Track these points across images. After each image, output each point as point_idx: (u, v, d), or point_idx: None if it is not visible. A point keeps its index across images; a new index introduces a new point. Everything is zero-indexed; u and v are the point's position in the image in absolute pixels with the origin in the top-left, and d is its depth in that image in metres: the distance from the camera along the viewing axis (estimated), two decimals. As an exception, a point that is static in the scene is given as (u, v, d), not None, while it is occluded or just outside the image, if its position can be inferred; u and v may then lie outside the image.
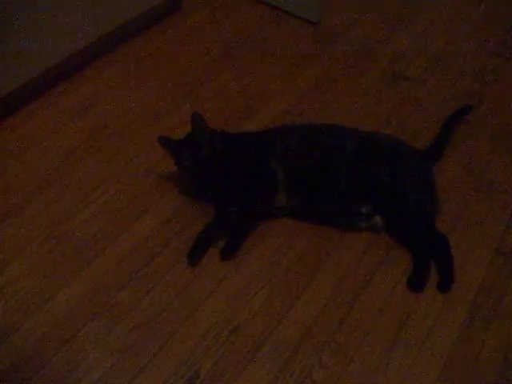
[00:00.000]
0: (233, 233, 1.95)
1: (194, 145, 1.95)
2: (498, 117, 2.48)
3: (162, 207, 2.05)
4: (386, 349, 1.71)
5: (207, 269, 1.88)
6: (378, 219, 1.96)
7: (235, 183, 1.97)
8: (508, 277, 1.90)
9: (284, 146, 1.99)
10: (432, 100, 2.55)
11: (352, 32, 2.92)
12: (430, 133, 2.35)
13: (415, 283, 1.86)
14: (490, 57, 2.82)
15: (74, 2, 2.31)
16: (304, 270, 1.90)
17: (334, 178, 1.95)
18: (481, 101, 2.56)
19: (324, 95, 2.55)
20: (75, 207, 2.03)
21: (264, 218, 2.01)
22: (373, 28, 2.97)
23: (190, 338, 1.71)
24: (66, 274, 1.84)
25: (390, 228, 1.99)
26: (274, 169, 1.96)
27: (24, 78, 2.27)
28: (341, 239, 1.98)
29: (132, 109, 2.41)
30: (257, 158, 1.99)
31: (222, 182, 1.97)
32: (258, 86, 2.57)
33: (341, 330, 1.75)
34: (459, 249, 1.94)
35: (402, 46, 2.85)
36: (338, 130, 2.10)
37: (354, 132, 2.09)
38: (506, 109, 2.53)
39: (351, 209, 1.96)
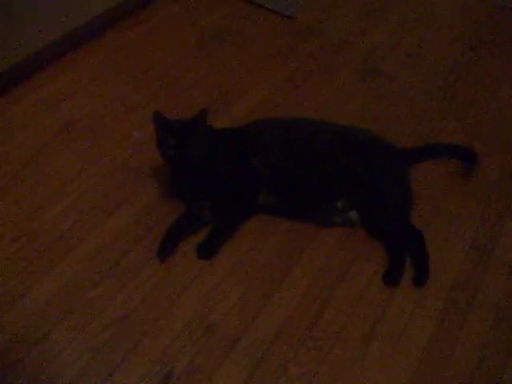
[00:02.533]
0: (212, 231, 1.93)
1: (184, 137, 1.85)
2: (471, 111, 2.50)
3: (135, 203, 2.02)
4: (361, 344, 1.71)
5: (181, 265, 1.86)
6: (353, 214, 1.96)
7: (216, 180, 1.95)
8: (483, 272, 1.91)
9: (264, 143, 1.98)
10: (406, 95, 2.56)
11: (327, 27, 2.92)
12: (403, 127, 2.36)
13: (390, 278, 1.86)
14: (464, 51, 2.84)
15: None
16: (278, 265, 1.89)
17: (310, 173, 1.94)
18: (455, 96, 2.57)
19: (299, 89, 2.55)
20: (46, 203, 2.00)
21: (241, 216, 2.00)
22: (348, 23, 2.97)
23: (164, 335, 1.69)
24: (38, 272, 1.81)
25: (365, 223, 1.99)
26: (257, 166, 1.94)
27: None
28: (315, 234, 1.98)
29: (105, 102, 2.38)
30: (239, 155, 1.98)
31: (200, 177, 1.94)
32: (232, 80, 2.55)
33: (316, 325, 1.74)
34: (434, 244, 1.94)
35: (376, 41, 2.86)
36: (314, 124, 2.10)
37: (329, 126, 2.09)
38: (480, 103, 2.54)
39: (327, 204, 1.96)
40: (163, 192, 2.06)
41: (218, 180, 1.95)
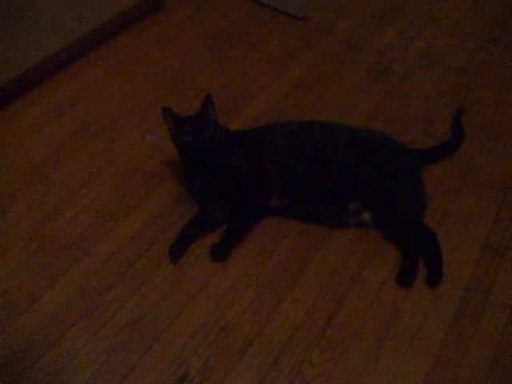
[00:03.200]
0: (226, 234, 1.94)
1: (199, 122, 1.92)
2: (484, 111, 2.48)
3: (148, 206, 2.03)
4: (375, 345, 1.70)
5: (195, 268, 1.87)
6: (366, 215, 1.96)
7: (228, 182, 1.96)
8: (496, 272, 1.90)
9: (276, 146, 1.99)
10: (418, 94, 2.55)
11: (338, 27, 2.92)
12: (416, 128, 2.35)
13: (404, 279, 1.86)
14: (476, 50, 2.82)
15: (57, 0, 2.28)
16: (292, 267, 1.89)
17: (323, 176, 1.94)
18: (467, 95, 2.56)
19: (310, 91, 2.55)
20: (60, 207, 2.01)
21: (253, 218, 2.00)
22: (358, 23, 2.96)
23: (178, 337, 1.69)
24: (53, 275, 1.82)
25: (379, 224, 1.98)
26: (269, 170, 1.95)
27: (7, 77, 2.24)
28: (328, 236, 1.98)
29: (116, 107, 2.39)
30: (252, 158, 1.98)
31: (213, 175, 1.95)
32: (243, 83, 2.56)
33: (330, 327, 1.74)
34: (447, 244, 1.93)
35: (387, 41, 2.85)
36: (327, 126, 2.09)
37: (342, 128, 2.09)
38: (493, 103, 2.53)
39: (339, 205, 1.96)
40: (176, 195, 2.06)
41: (231, 181, 1.95)
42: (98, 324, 1.71)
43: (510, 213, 2.08)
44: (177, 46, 2.72)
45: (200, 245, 1.92)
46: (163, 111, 1.94)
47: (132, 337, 1.69)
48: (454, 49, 2.83)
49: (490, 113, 2.47)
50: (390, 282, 1.86)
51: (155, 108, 2.36)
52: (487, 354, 1.69)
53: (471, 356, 1.69)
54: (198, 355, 1.66)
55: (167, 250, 1.89)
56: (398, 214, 1.96)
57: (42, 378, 1.60)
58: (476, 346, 1.71)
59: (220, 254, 1.89)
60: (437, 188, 2.12)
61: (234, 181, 1.95)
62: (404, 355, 1.68)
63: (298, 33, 2.87)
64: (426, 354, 1.69)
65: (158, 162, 2.14)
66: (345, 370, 1.64)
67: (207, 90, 2.46)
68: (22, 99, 2.37)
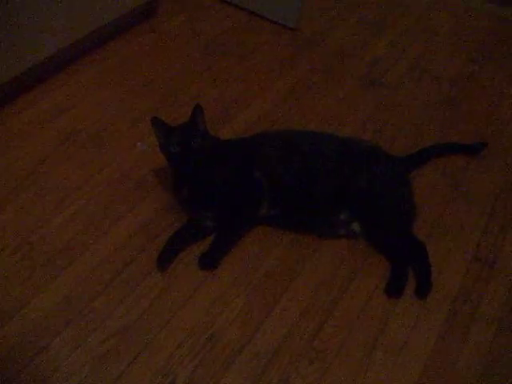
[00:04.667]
0: (215, 242, 1.93)
1: (186, 133, 1.90)
2: (473, 123, 2.50)
3: (138, 213, 2.02)
4: (364, 355, 1.70)
5: (183, 276, 1.86)
6: (356, 226, 1.96)
7: (218, 190, 1.95)
8: (485, 283, 1.91)
9: (267, 155, 1.98)
10: (409, 106, 2.56)
11: (329, 38, 2.93)
12: (406, 139, 2.36)
13: (393, 289, 1.86)
14: (466, 63, 2.84)
15: (49, 6, 2.28)
16: (281, 277, 1.88)
17: (313, 185, 1.94)
18: (456, 106, 2.57)
19: (301, 101, 2.55)
20: (49, 214, 1.99)
21: (243, 227, 1.99)
22: (350, 34, 2.98)
23: (166, 346, 1.68)
24: (40, 282, 1.80)
25: (368, 234, 1.98)
26: (259, 179, 1.94)
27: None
28: (318, 246, 1.97)
29: (107, 113, 2.38)
30: (242, 167, 1.97)
31: (202, 185, 1.95)
32: (235, 92, 2.56)
33: (319, 336, 1.74)
34: (436, 255, 1.94)
35: (379, 52, 2.86)
36: (317, 136, 2.10)
37: (332, 138, 2.09)
38: (482, 115, 2.55)
39: (329, 216, 1.96)
40: (166, 203, 2.05)
41: (220, 190, 1.94)
42: (85, 332, 1.70)
43: (499, 224, 2.09)
44: (168, 54, 2.72)
45: (189, 253, 1.91)
46: (152, 121, 1.94)
47: (119, 346, 1.67)
48: (445, 60, 2.85)
49: (480, 125, 2.49)
50: (379, 292, 1.86)
51: (146, 115, 2.34)
52: (476, 366, 1.70)
53: (460, 367, 1.69)
54: (186, 364, 1.64)
55: (155, 258, 1.88)
56: (387, 224, 1.96)
57: (27, 387, 1.58)
58: (465, 358, 1.71)
59: (209, 262, 1.88)
60: (426, 199, 2.13)
61: (223, 190, 1.95)
62: (393, 366, 1.68)
63: (289, 43, 2.87)
64: (414, 364, 1.69)
65: (148, 169, 2.13)
66: (333, 381, 1.64)
67: (199, 98, 2.47)
68: (11, 105, 2.35)
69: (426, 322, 1.79)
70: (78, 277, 1.83)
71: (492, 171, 2.27)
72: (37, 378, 1.59)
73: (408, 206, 2.03)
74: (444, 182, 2.21)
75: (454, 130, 2.41)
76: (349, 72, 2.73)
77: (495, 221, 2.10)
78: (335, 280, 1.88)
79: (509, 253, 2.01)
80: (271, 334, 1.73)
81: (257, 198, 1.94)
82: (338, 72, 2.72)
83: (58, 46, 2.41)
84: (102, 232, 1.96)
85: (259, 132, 2.15)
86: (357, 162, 1.99)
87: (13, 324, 1.70)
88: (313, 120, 2.44)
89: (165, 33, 2.84)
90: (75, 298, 1.77)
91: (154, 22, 2.88)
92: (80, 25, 2.47)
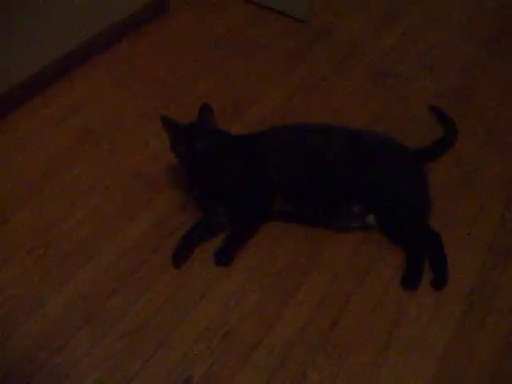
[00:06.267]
0: (229, 238, 1.93)
1: (193, 134, 1.91)
2: (487, 113, 2.48)
3: (151, 211, 2.03)
4: (380, 348, 1.70)
5: (198, 273, 1.86)
6: (370, 218, 1.95)
7: (230, 186, 1.95)
8: (501, 274, 1.89)
9: (278, 149, 1.98)
10: (420, 97, 2.54)
11: (339, 30, 2.91)
12: (418, 130, 2.35)
13: (409, 282, 1.85)
14: (478, 52, 2.82)
15: (60, 5, 2.28)
16: (295, 271, 1.88)
17: (326, 179, 1.94)
18: (470, 97, 2.55)
19: (312, 94, 2.54)
20: (63, 213, 2.01)
21: (257, 222, 1.99)
22: (360, 26, 2.96)
23: (182, 342, 1.69)
24: (56, 282, 1.82)
25: (383, 227, 1.97)
26: (271, 173, 1.94)
27: (9, 83, 2.24)
28: (332, 239, 1.97)
29: (119, 112, 2.39)
30: (253, 162, 1.98)
31: (214, 181, 1.95)
32: (245, 87, 2.55)
33: (334, 330, 1.74)
34: (452, 246, 1.92)
35: (389, 43, 2.84)
36: (328, 129, 2.09)
37: (344, 130, 2.08)
38: (496, 104, 2.52)
39: (343, 208, 1.95)
40: (179, 200, 2.06)
41: (233, 186, 1.95)
42: (102, 330, 1.71)
43: (516, 215, 2.08)
44: (178, 51, 2.72)
45: (203, 250, 1.92)
46: (162, 120, 1.95)
47: (135, 343, 1.68)
48: (457, 51, 2.83)
49: (493, 114, 2.47)
50: (395, 284, 1.85)
51: (159, 113, 2.36)
52: (492, 358, 1.69)
53: (476, 360, 1.68)
54: (202, 360, 1.65)
55: (170, 255, 1.88)
56: (402, 216, 1.96)
57: (46, 385, 1.60)
58: (481, 350, 1.71)
59: (223, 258, 1.89)
60: (441, 190, 2.11)
61: (235, 186, 1.95)
62: (409, 358, 1.68)
63: (299, 35, 2.86)
64: (430, 357, 1.68)
65: (161, 167, 2.14)
66: (350, 374, 1.64)
67: (209, 94, 2.47)
68: (23, 107, 2.36)
69: (442, 313, 1.79)
70: (93, 275, 1.84)
71: (507, 162, 2.25)
72: (55, 376, 1.61)
73: (423, 198, 2.01)
74: (459, 173, 2.20)
75: (466, 120, 2.39)
76: (359, 64, 2.72)
77: (511, 211, 2.09)
78: (350, 273, 1.88)
79: (525, 243, 2.00)
80: (286, 329, 1.73)
81: (269, 193, 1.94)
82: (349, 64, 2.71)
83: (68, 46, 2.42)
84: (116, 231, 1.97)
85: (271, 126, 2.15)
86: (370, 154, 1.98)
87: (30, 323, 1.72)
88: (324, 113, 2.44)
89: (173, 30, 2.84)
90: (91, 297, 1.79)
91: (164, 19, 2.89)
92: (90, 24, 2.48)
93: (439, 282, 1.85)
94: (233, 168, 1.95)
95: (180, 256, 1.88)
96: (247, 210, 1.96)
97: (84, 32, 2.46)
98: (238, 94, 2.51)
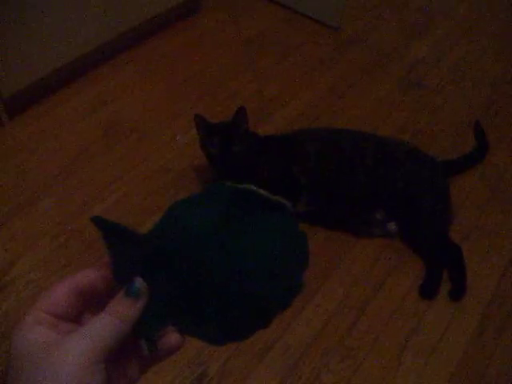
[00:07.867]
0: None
1: (227, 135, 1.91)
2: (514, 127, 2.48)
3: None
4: (395, 355, 1.70)
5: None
6: (392, 226, 1.95)
7: (256, 186, 1.95)
8: (520, 288, 1.89)
9: (305, 152, 1.99)
10: (448, 109, 2.54)
11: (370, 38, 2.92)
12: (445, 142, 2.35)
13: (427, 291, 1.85)
14: (508, 67, 2.81)
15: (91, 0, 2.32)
16: (315, 273, 1.89)
17: (351, 184, 1.95)
18: (497, 111, 2.55)
19: (340, 100, 2.55)
20: (88, 203, 2.03)
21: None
22: (391, 35, 2.96)
23: (198, 337, 1.70)
24: (77, 269, 1.83)
25: (404, 235, 1.98)
26: (297, 175, 1.95)
27: (39, 74, 2.27)
28: (353, 244, 1.98)
29: (148, 107, 2.42)
30: (281, 163, 1.99)
31: (241, 180, 1.95)
32: (275, 89, 2.57)
33: (351, 334, 1.74)
34: (472, 258, 1.93)
35: (419, 54, 2.85)
36: (356, 135, 2.09)
37: (370, 137, 2.09)
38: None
39: (365, 214, 1.96)
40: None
41: (259, 185, 1.95)
42: (120, 320, 1.72)
43: (537, 228, 2.07)
44: (210, 50, 2.74)
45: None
46: (195, 118, 1.95)
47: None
48: (486, 64, 2.83)
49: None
50: (413, 293, 1.86)
51: (186, 110, 2.39)
52: (508, 370, 1.68)
53: (492, 371, 1.68)
54: (217, 356, 1.66)
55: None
56: (423, 226, 1.96)
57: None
58: (497, 362, 1.70)
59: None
60: (464, 201, 2.11)
61: (262, 185, 1.95)
62: (423, 367, 1.68)
63: (329, 42, 2.87)
64: (445, 366, 1.68)
65: (188, 162, 2.16)
66: (364, 379, 1.64)
67: (239, 94, 2.49)
68: (53, 97, 2.39)
69: (459, 324, 1.79)
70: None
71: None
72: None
73: (444, 208, 2.01)
74: (482, 185, 2.19)
75: (494, 134, 2.38)
76: (389, 73, 2.72)
77: (533, 226, 2.08)
78: (369, 278, 1.89)
79: (546, 258, 1.99)
80: (303, 330, 1.74)
81: (295, 194, 1.95)
82: (379, 72, 2.72)
83: (99, 40, 2.44)
84: (140, 222, 1.98)
85: (300, 129, 2.16)
86: (395, 163, 1.98)
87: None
88: (351, 119, 2.44)
89: (206, 29, 2.86)
90: (112, 287, 1.80)
91: (197, 17, 2.91)
92: (122, 20, 2.51)
93: (457, 294, 1.85)
94: (261, 167, 1.96)
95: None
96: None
97: (116, 27, 2.49)
98: (267, 96, 2.53)
